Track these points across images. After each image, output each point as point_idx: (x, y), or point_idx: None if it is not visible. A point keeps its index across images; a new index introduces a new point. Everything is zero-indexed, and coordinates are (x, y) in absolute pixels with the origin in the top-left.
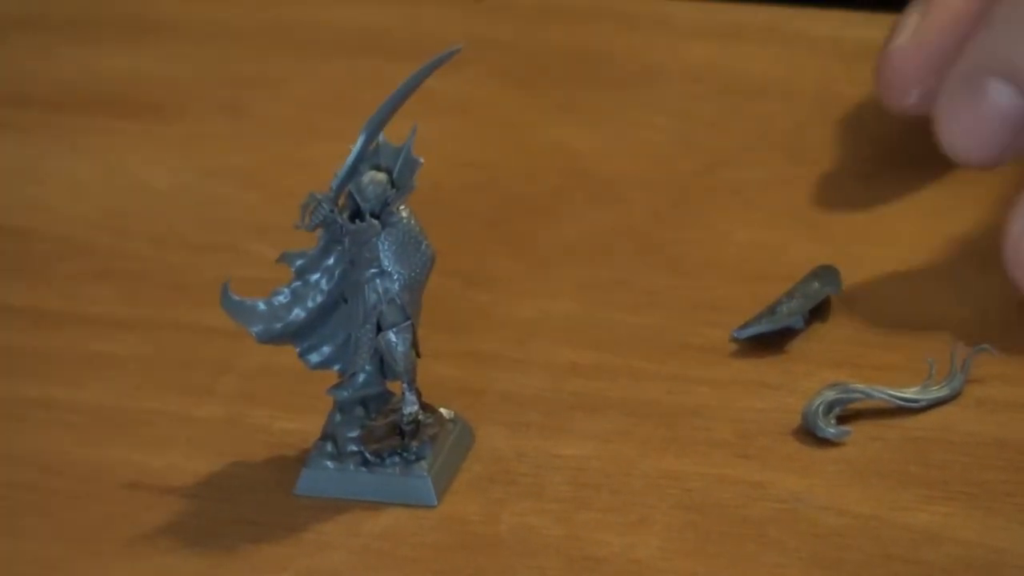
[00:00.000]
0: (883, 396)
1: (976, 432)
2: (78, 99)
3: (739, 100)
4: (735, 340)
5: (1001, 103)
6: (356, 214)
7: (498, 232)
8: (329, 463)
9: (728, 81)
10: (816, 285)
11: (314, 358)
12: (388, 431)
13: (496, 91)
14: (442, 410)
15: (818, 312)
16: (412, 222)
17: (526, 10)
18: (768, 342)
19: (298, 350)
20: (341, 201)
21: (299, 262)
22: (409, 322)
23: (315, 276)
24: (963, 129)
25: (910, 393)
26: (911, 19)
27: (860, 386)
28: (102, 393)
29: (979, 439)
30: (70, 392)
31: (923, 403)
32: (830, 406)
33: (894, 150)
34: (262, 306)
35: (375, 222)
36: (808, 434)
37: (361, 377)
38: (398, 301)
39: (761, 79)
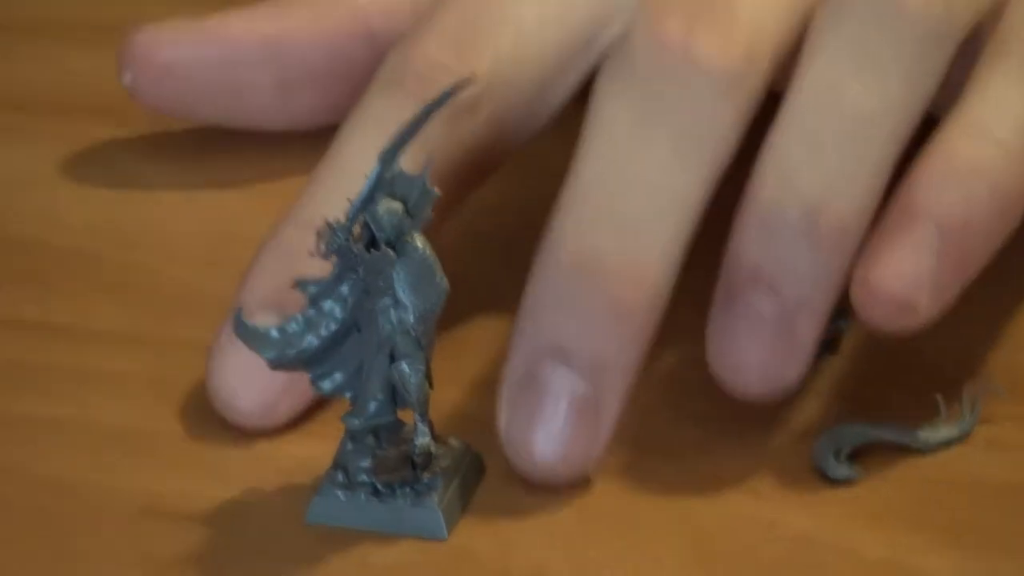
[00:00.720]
0: (893, 436)
1: (986, 475)
2: (88, 107)
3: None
4: None
5: (566, 393)
6: (372, 243)
7: (511, 257)
8: (340, 492)
9: None
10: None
11: (327, 385)
12: (399, 462)
13: None
14: (452, 440)
15: (829, 345)
16: (427, 253)
17: None
18: None
19: (311, 376)
20: (357, 229)
21: (313, 289)
22: (422, 353)
23: (329, 304)
24: (543, 439)
25: (920, 433)
26: None
27: (870, 426)
28: (113, 414)
29: (989, 481)
30: (81, 412)
31: (933, 444)
32: (840, 445)
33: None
34: (275, 333)
35: (390, 252)
36: (817, 473)
37: (373, 406)
38: (412, 332)
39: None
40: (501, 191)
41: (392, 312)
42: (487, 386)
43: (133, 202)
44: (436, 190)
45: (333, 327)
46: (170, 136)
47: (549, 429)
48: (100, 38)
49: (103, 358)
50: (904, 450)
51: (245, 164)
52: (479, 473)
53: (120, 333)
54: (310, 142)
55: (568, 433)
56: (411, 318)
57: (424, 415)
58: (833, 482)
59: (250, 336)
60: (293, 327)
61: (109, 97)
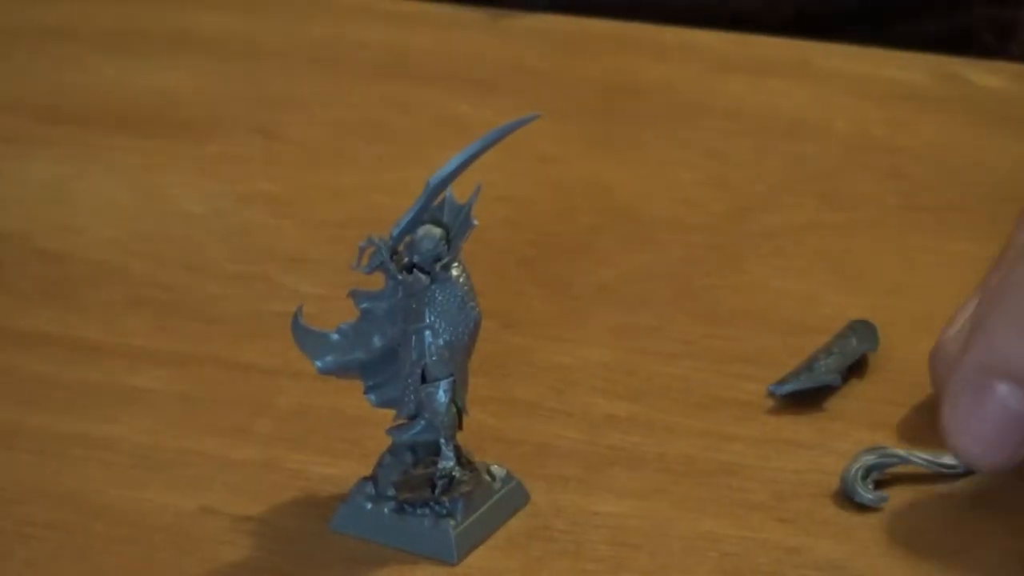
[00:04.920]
0: (921, 461)
1: (1014, 501)
2: (110, 115)
3: (772, 139)
4: (772, 396)
5: (1008, 405)
6: (414, 264)
7: (533, 271)
8: (367, 503)
9: (761, 119)
10: (853, 342)
11: (378, 396)
12: (423, 482)
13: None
14: (494, 467)
15: (854, 369)
16: (462, 281)
17: (558, 36)
18: (804, 399)
19: (364, 386)
20: (401, 247)
21: (365, 302)
22: (452, 378)
23: (380, 317)
24: (973, 434)
25: (948, 459)
26: (965, 309)
27: (898, 451)
28: (138, 431)
29: (1017, 508)
30: (106, 428)
31: (961, 469)
32: (868, 470)
33: (927, 197)
34: (331, 337)
35: (423, 276)
36: (845, 498)
37: (421, 423)
38: (442, 356)
39: (794, 118)
40: (519, 206)
41: (425, 334)
42: (513, 405)
43: (159, 216)
44: (476, 221)
45: (382, 341)
46: (196, 149)
47: (980, 431)
48: (126, 45)
49: (129, 374)
50: (933, 476)
51: (271, 178)
52: (519, 501)
53: (146, 348)
54: (335, 158)
55: (994, 439)
56: (440, 342)
57: (449, 439)
58: (860, 507)
59: (305, 339)
60: (346, 335)
61: (134, 107)
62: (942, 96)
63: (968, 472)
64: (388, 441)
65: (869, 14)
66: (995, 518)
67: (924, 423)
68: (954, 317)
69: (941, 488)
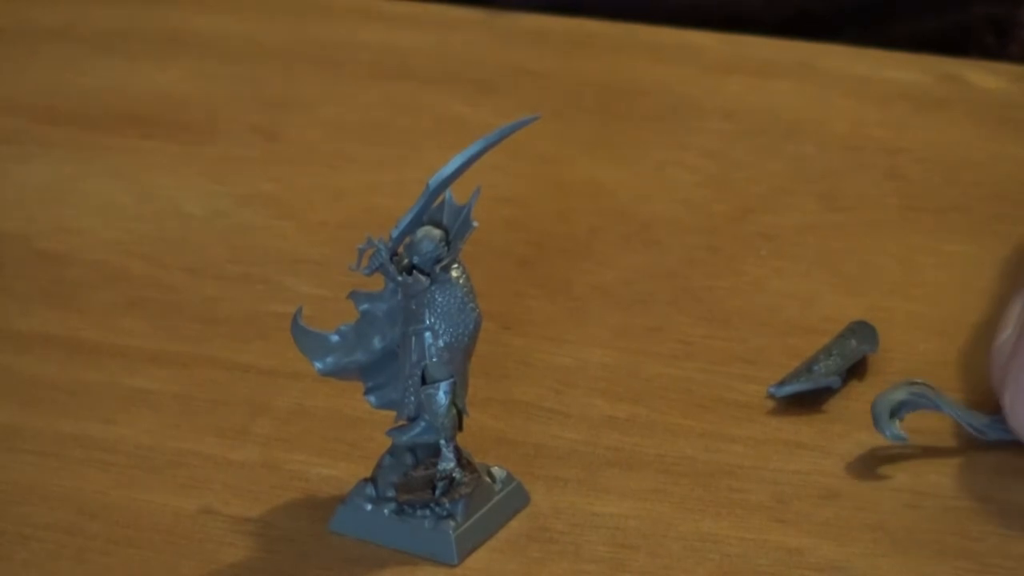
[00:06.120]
0: (954, 413)
1: (1014, 502)
2: (110, 116)
3: (772, 141)
4: (772, 397)
5: None
6: (414, 266)
7: (533, 273)
8: (366, 505)
9: (761, 120)
10: (853, 343)
11: (378, 398)
12: (423, 484)
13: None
14: (495, 469)
15: (854, 370)
16: (462, 282)
17: (558, 37)
18: (804, 400)
19: (364, 387)
20: (401, 249)
21: (364, 305)
22: (452, 380)
23: (380, 319)
24: None
25: (981, 421)
26: (1013, 310)
27: (932, 395)
28: (138, 432)
29: (1018, 510)
30: (106, 429)
31: (992, 437)
32: (899, 406)
33: (927, 198)
34: (331, 339)
35: (423, 278)
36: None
37: (421, 425)
38: (442, 358)
39: (794, 119)
40: (519, 207)
41: (426, 336)
42: (513, 406)
43: (159, 217)
44: (475, 222)
45: (382, 343)
46: (196, 149)
47: None
48: (126, 46)
49: (129, 374)
50: (932, 475)
51: (271, 179)
52: (519, 503)
53: (145, 349)
54: (335, 158)
55: None
56: (440, 344)
57: (449, 440)
58: (861, 508)
59: (305, 340)
60: (346, 336)
61: (133, 107)
62: (941, 97)
63: (997, 441)
64: (388, 442)
65: (868, 14)
66: (996, 519)
67: (923, 424)
68: (1000, 324)
69: (940, 489)
